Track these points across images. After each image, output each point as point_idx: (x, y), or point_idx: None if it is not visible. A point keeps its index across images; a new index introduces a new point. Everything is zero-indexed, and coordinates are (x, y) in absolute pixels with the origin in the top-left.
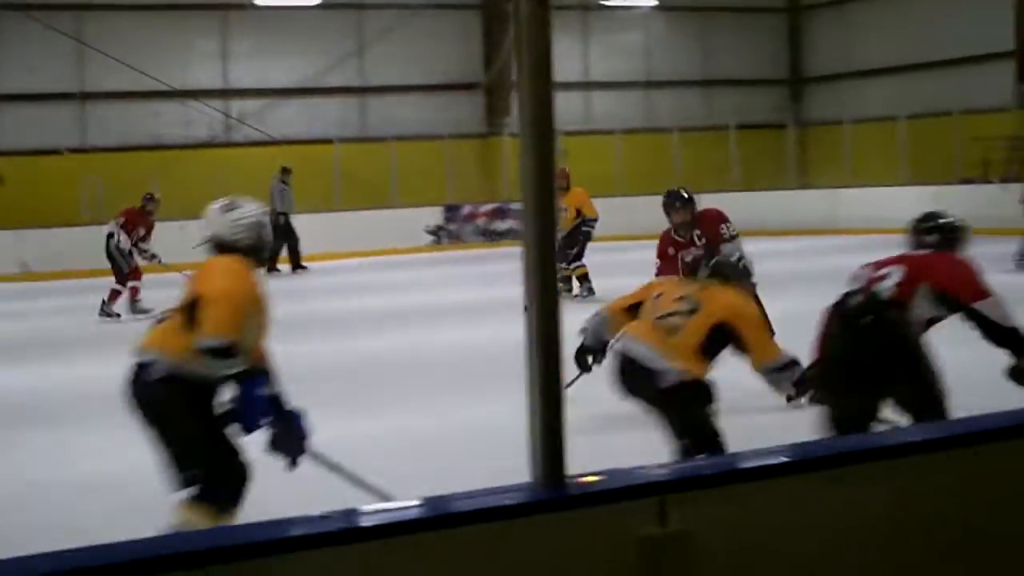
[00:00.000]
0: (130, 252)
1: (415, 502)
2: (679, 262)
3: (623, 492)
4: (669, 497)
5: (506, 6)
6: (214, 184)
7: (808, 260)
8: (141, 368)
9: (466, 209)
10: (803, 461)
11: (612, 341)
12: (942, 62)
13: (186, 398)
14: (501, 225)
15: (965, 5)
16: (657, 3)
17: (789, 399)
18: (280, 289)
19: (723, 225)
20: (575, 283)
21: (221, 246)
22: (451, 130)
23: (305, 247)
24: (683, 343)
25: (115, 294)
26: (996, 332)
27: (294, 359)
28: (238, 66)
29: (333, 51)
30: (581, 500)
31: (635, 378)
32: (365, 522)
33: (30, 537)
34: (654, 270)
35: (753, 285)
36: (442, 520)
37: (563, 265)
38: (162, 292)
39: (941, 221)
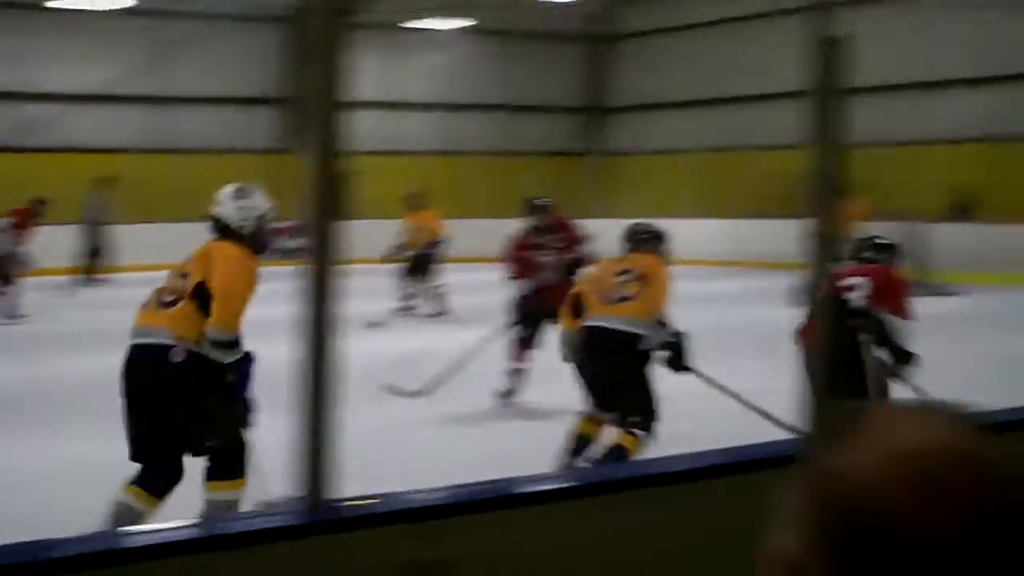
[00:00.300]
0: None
1: (180, 524)
2: (532, 262)
3: (391, 516)
4: (438, 522)
5: (307, 22)
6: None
7: None
8: (156, 349)
9: None
10: (576, 487)
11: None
12: (739, 98)
13: (208, 376)
14: (295, 243)
15: (763, 44)
16: (463, 26)
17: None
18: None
19: (576, 227)
20: (432, 301)
21: (225, 229)
22: (249, 144)
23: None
24: (640, 306)
25: None
26: (894, 345)
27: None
28: (35, 69)
29: (132, 58)
30: (346, 524)
31: (605, 352)
32: (129, 544)
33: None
34: (509, 271)
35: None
36: (207, 542)
37: (410, 289)
38: None
39: (887, 240)
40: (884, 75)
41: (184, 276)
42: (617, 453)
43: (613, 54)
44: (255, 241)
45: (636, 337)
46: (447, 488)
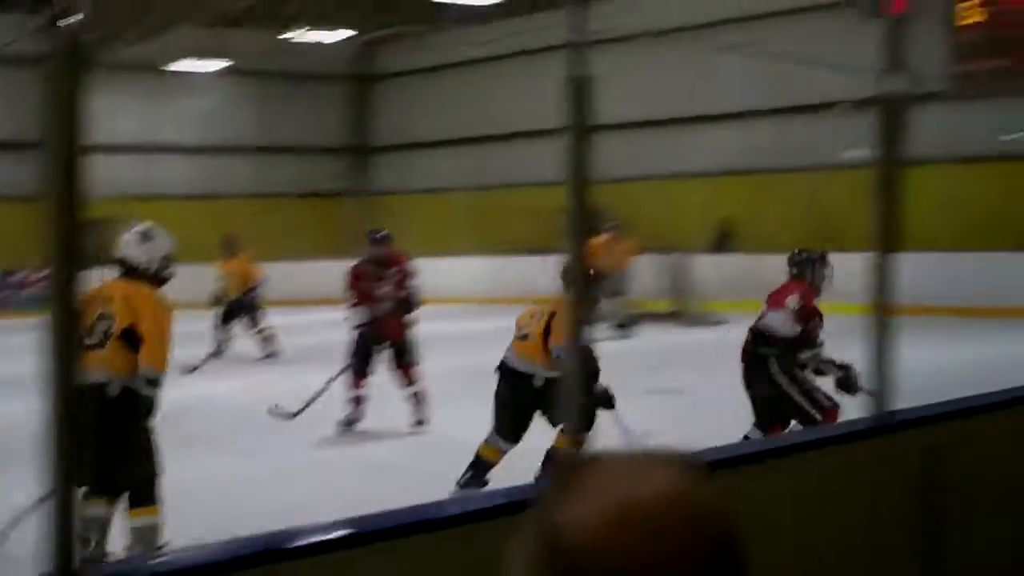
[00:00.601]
0: None
1: None
2: (370, 293)
3: None
4: None
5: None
6: None
7: None
8: (94, 387)
9: (19, 275)
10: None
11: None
12: (500, 136)
13: (140, 411)
14: (37, 293)
15: (521, 83)
16: (222, 69)
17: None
18: None
19: (409, 263)
20: (262, 344)
21: (131, 270)
22: (5, 192)
23: None
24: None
25: None
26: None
27: None
28: None
29: None
30: None
31: (518, 388)
32: None
33: None
34: (350, 300)
35: None
36: None
37: (224, 335)
38: None
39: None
40: (643, 111)
41: (103, 318)
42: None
43: (375, 94)
44: (159, 280)
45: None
46: (205, 545)
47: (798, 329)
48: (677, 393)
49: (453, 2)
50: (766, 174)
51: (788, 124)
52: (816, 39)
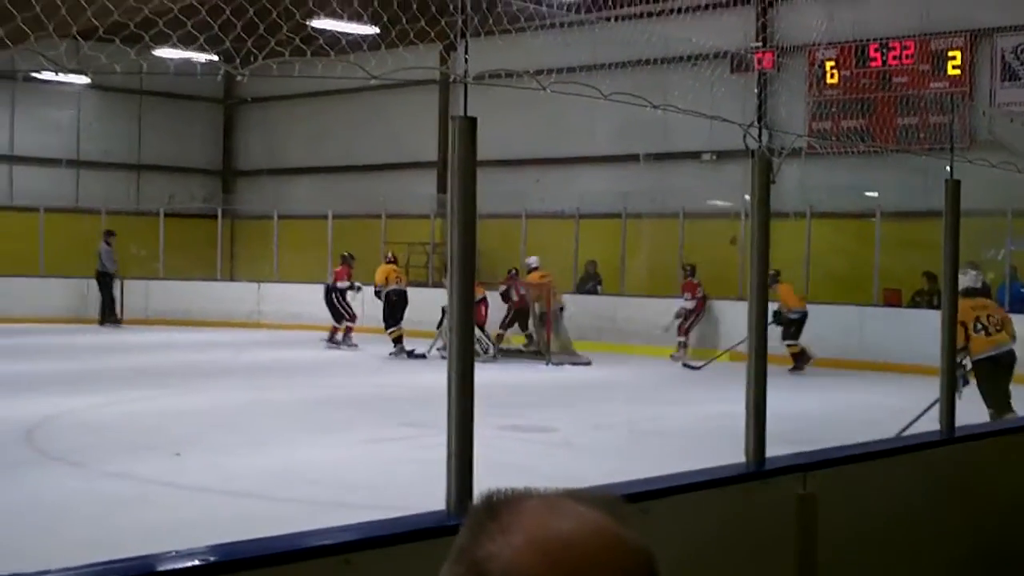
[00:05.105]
0: None
1: None
2: None
3: None
4: None
5: None
6: None
7: (230, 353)
8: None
9: None
10: (224, 562)
11: None
12: (369, 166)
13: None
14: None
15: (393, 115)
16: (90, 82)
17: None
18: None
19: None
20: None
21: None
22: None
23: None
24: None
25: None
26: None
27: None
28: None
29: None
30: None
31: None
32: None
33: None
34: None
35: None
36: None
37: None
38: None
39: None
40: (515, 150)
41: None
42: None
43: (240, 118)
44: None
45: None
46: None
47: None
48: (549, 431)
49: (327, 29)
50: (634, 218)
51: (658, 170)
52: (689, 89)
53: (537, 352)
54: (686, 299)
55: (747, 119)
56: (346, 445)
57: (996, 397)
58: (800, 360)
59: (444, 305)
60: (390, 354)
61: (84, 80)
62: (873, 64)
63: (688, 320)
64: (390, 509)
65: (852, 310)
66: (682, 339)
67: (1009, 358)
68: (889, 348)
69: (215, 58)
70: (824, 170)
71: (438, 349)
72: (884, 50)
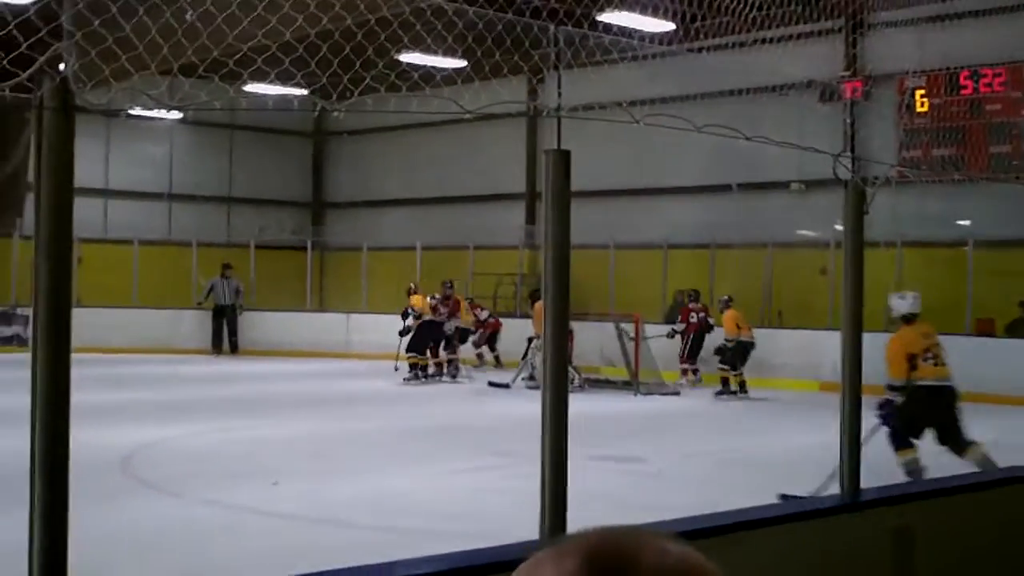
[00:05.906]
0: None
1: None
2: None
3: None
4: None
5: (26, 112)
6: None
7: (321, 383)
8: None
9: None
10: None
11: None
12: (458, 198)
13: None
14: (6, 331)
15: (482, 147)
16: (182, 117)
17: None
18: None
19: None
20: None
21: None
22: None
23: None
24: None
25: None
26: None
27: None
28: None
29: None
30: None
31: None
32: None
33: None
34: None
35: None
36: None
37: None
38: None
39: None
40: (606, 182)
41: None
42: None
43: (331, 150)
44: None
45: None
46: None
47: None
48: (639, 461)
49: (419, 64)
50: (722, 248)
51: (747, 200)
52: (779, 119)
53: (627, 383)
54: (677, 323)
55: (835, 148)
56: (437, 474)
57: (919, 430)
58: (725, 388)
59: (530, 335)
60: (404, 379)
61: (176, 115)
62: (964, 92)
63: (683, 344)
64: (482, 538)
65: (944, 340)
66: (685, 366)
67: (952, 397)
68: (982, 378)
69: (305, 92)
70: (915, 199)
71: (523, 379)
72: (975, 77)
